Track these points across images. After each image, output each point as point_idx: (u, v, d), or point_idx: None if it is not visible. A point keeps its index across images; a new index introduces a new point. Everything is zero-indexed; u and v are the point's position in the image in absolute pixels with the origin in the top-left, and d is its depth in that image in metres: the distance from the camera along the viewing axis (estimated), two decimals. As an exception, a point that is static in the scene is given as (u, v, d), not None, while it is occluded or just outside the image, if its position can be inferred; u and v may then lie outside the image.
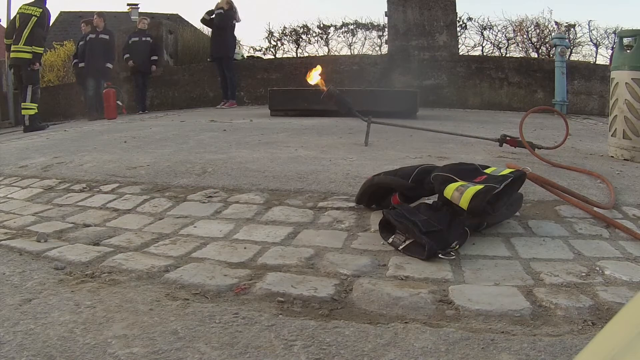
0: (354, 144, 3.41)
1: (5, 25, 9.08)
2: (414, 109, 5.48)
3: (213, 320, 1.12)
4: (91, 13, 8.72)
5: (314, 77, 3.54)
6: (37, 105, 6.48)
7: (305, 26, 10.58)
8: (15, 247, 1.64)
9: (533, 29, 9.65)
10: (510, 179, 1.63)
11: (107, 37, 7.99)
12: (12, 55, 6.54)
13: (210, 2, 7.84)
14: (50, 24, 6.54)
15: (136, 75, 8.51)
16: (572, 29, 9.41)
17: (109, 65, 7.99)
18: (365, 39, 10.48)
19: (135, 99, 8.67)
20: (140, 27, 8.63)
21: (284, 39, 10.76)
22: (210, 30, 8.21)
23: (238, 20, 7.77)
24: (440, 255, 1.45)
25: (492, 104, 7.73)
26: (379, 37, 10.24)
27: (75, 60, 8.37)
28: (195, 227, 1.82)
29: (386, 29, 8.94)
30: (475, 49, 9.99)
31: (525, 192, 1.93)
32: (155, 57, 8.50)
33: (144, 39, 8.42)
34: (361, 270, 1.39)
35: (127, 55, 8.37)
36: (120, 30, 9.83)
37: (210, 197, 2.16)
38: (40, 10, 6.34)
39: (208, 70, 8.85)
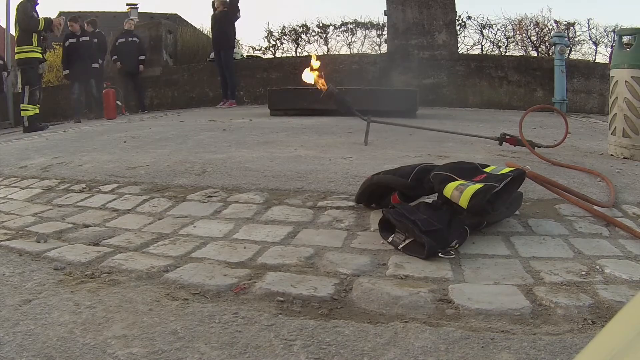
0: (353, 143, 3.41)
1: (4, 27, 9.10)
2: (413, 108, 5.47)
3: (213, 320, 1.12)
4: (91, 13, 8.72)
5: (309, 76, 3.51)
6: (35, 106, 6.49)
7: (304, 25, 10.57)
8: (15, 247, 1.64)
9: (532, 28, 9.66)
10: (509, 178, 1.62)
11: (87, 38, 7.95)
12: (16, 57, 6.69)
13: (208, 2, 7.77)
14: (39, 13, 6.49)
15: (125, 76, 8.47)
16: (572, 28, 9.41)
17: (96, 65, 7.96)
18: (364, 38, 10.49)
19: (127, 99, 8.61)
20: (127, 27, 8.58)
21: (284, 39, 10.76)
22: (210, 27, 8.22)
23: (238, 17, 7.75)
24: (440, 254, 1.45)
25: (492, 103, 7.73)
26: (379, 36, 10.25)
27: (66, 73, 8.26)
28: (194, 227, 1.82)
29: (385, 28, 8.94)
30: (475, 47, 10.00)
31: (525, 190, 1.93)
32: (142, 57, 8.46)
33: (130, 39, 8.39)
34: (361, 269, 1.39)
35: (114, 57, 8.34)
36: (119, 30, 9.81)
37: (209, 197, 2.16)
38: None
39: (207, 70, 8.84)
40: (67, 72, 7.99)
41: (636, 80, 2.89)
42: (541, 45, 9.60)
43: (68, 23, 7.84)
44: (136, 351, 0.99)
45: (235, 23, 7.70)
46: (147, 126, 5.18)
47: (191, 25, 12.81)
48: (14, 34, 6.98)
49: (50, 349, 1.00)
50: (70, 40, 7.86)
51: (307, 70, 3.50)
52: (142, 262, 1.47)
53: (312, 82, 3.48)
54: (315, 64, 3.46)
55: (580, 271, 1.37)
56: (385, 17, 8.42)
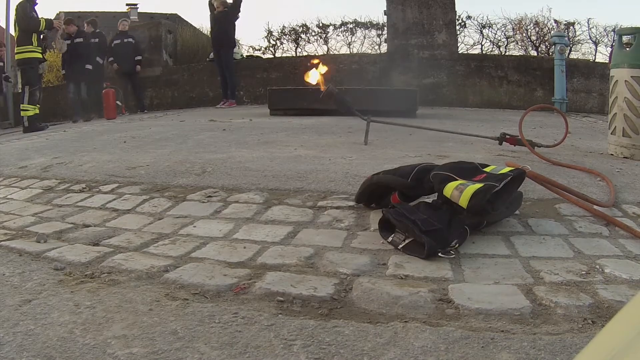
0: (353, 143, 3.41)
1: (4, 27, 9.11)
2: (413, 108, 5.47)
3: (212, 320, 1.12)
4: (91, 13, 8.70)
5: (314, 75, 3.55)
6: (35, 106, 6.49)
7: (304, 25, 10.56)
8: (15, 247, 1.64)
9: (532, 27, 9.65)
10: (509, 178, 1.62)
11: (82, 39, 7.95)
12: (16, 57, 6.71)
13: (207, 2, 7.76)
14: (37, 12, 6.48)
15: (123, 77, 8.47)
16: (572, 27, 9.40)
17: (89, 66, 7.97)
18: (364, 37, 10.47)
19: (126, 99, 8.60)
20: (121, 29, 8.54)
21: (283, 38, 10.75)
22: (209, 27, 8.22)
23: (238, 17, 7.74)
24: (440, 254, 1.45)
25: (492, 103, 7.72)
26: (378, 35, 10.23)
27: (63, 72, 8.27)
28: (194, 227, 1.82)
29: (385, 28, 8.94)
30: (475, 47, 9.99)
31: (524, 190, 1.93)
32: (138, 57, 8.45)
33: (126, 40, 8.37)
34: (361, 269, 1.39)
35: (111, 59, 8.35)
36: (114, 31, 9.79)
37: (209, 196, 2.16)
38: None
39: (207, 69, 8.84)
40: (63, 72, 8.02)
41: (636, 80, 2.89)
42: (541, 45, 9.60)
43: (63, 26, 7.84)
44: (136, 351, 0.99)
45: (235, 22, 7.70)
46: (147, 126, 5.18)
47: (191, 25, 12.81)
48: (13, 34, 6.99)
49: (50, 349, 1.00)
50: (67, 42, 7.88)
51: (313, 71, 3.53)
52: (142, 262, 1.47)
53: (315, 82, 3.51)
54: (322, 69, 3.50)
55: (580, 271, 1.37)
56: (385, 17, 8.41)
